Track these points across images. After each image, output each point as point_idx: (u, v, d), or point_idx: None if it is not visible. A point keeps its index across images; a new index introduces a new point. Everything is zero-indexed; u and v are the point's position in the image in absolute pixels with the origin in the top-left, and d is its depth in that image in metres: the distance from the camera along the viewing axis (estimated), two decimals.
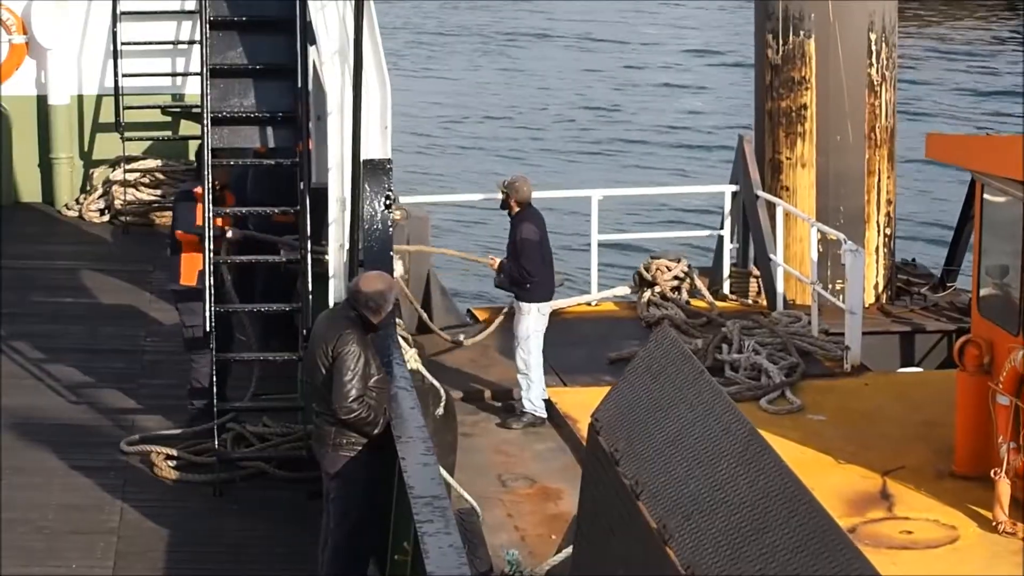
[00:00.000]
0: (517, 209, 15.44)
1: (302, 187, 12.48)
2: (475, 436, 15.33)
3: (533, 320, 15.45)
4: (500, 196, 15.65)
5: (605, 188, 21.09)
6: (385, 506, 10.30)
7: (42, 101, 19.46)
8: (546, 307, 15.63)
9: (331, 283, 12.33)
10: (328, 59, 12.39)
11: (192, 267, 12.89)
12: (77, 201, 19.45)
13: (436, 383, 12.28)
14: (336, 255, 12.33)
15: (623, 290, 19.16)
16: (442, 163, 34.19)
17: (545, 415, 15.56)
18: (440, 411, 12.17)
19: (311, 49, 12.84)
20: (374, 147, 12.29)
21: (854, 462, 14.37)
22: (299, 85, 12.71)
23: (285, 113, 12.84)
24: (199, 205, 12.71)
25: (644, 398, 8.85)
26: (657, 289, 18.57)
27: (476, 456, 14.78)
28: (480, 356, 16.83)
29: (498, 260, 15.70)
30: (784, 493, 7.25)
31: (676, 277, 18.67)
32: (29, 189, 19.60)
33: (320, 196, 12.53)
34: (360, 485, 10.29)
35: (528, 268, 15.30)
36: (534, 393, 15.49)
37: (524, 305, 15.49)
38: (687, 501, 7.78)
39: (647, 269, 18.79)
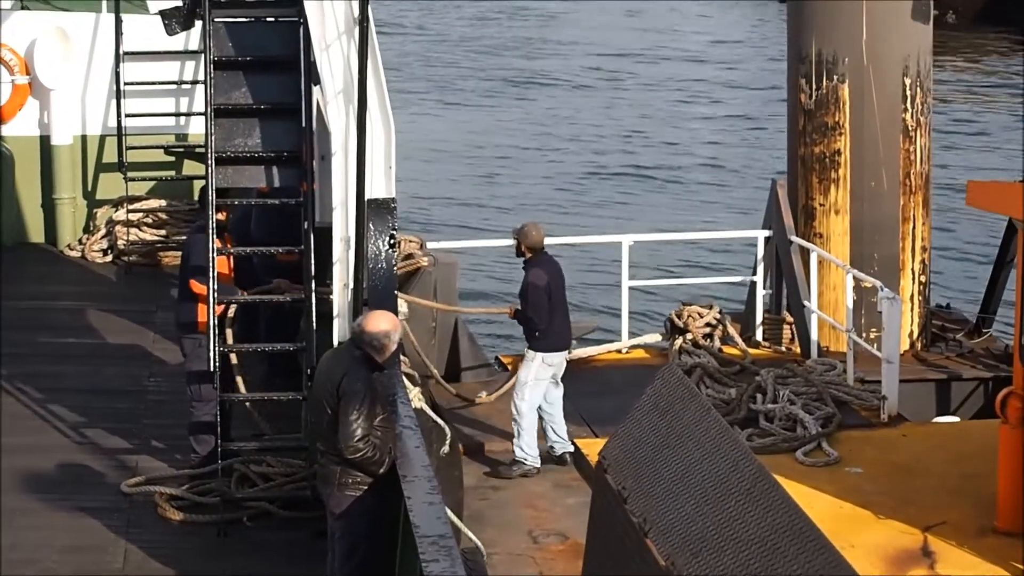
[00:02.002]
0: (529, 255, 15.79)
1: (306, 226, 12.80)
2: (504, 489, 15.58)
3: (535, 369, 15.75)
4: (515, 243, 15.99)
5: (636, 233, 21.47)
6: (390, 545, 10.60)
7: (45, 141, 19.90)
8: (553, 357, 15.84)
9: (335, 322, 12.65)
10: (332, 99, 12.69)
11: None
12: (80, 241, 19.88)
13: (440, 421, 12.57)
14: (340, 295, 12.65)
15: (654, 337, 19.56)
16: (463, 207, 34.28)
17: (538, 464, 15.80)
18: (445, 449, 12.45)
19: (315, 89, 13.12)
20: (378, 186, 12.65)
21: (894, 517, 14.56)
22: (303, 125, 12.99)
23: (289, 153, 13.10)
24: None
25: (651, 436, 9.13)
26: (689, 336, 18.93)
27: (506, 511, 15.02)
28: (507, 406, 16.82)
29: (514, 308, 16.09)
30: (792, 529, 7.59)
31: (708, 324, 19.04)
32: (32, 229, 20.04)
33: (324, 235, 12.86)
34: (365, 524, 10.62)
35: (533, 315, 15.62)
36: (524, 441, 15.77)
37: (529, 352, 15.85)
38: (695, 538, 8.11)
39: (679, 316, 19.18)
